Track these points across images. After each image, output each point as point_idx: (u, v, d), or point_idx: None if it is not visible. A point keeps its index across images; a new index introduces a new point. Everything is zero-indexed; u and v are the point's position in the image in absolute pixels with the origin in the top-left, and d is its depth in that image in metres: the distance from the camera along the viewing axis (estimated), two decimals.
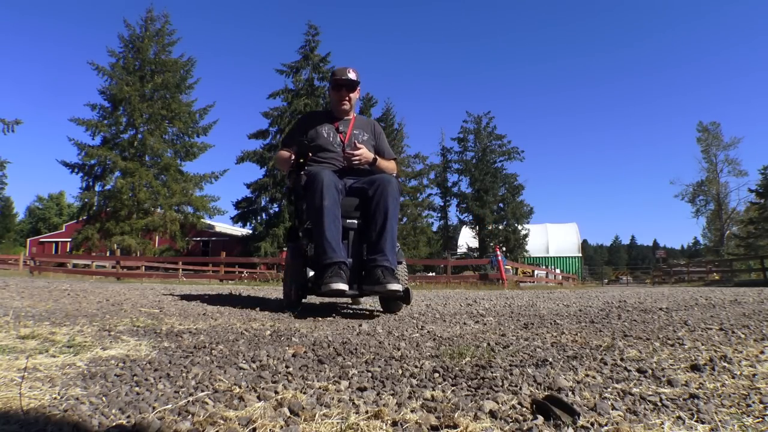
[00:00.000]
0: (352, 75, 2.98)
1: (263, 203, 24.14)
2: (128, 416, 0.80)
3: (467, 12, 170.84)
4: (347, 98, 3.00)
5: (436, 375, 1.13)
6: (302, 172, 2.71)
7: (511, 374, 1.12)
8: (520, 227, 25.98)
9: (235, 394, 0.93)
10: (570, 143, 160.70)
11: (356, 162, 2.83)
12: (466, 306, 3.46)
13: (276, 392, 0.96)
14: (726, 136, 35.18)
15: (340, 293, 2.43)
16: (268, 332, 1.81)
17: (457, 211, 27.59)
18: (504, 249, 23.86)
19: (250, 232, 24.47)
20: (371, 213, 2.60)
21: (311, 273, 2.54)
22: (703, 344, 1.60)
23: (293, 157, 2.72)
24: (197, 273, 16.11)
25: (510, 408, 0.87)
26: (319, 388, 1.00)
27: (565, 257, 31.06)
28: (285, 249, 3.57)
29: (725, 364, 1.24)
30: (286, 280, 2.92)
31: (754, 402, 0.92)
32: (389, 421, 0.79)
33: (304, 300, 3.03)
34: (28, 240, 39.51)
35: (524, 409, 0.87)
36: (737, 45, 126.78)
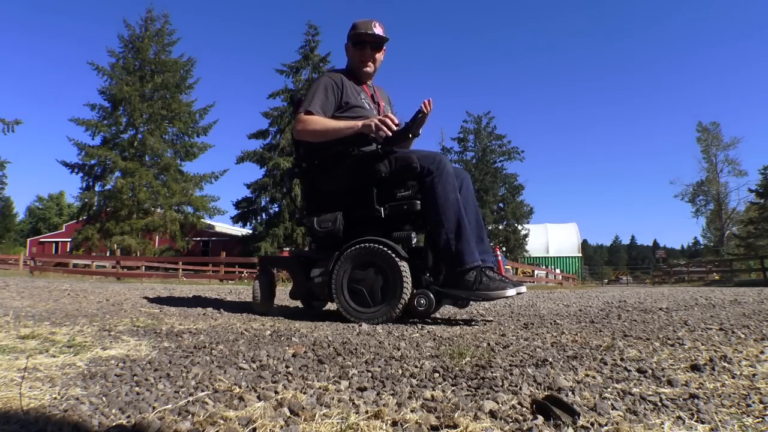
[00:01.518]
0: (378, 30, 2.46)
1: (263, 203, 24.13)
2: (128, 416, 0.80)
3: (467, 11, 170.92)
4: (372, 59, 2.52)
5: (436, 375, 1.13)
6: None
7: (511, 374, 1.12)
8: (520, 227, 25.98)
9: (235, 394, 0.93)
10: (570, 143, 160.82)
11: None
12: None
13: (276, 392, 0.96)
14: (726, 136, 35.29)
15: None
16: (268, 332, 1.81)
17: None
18: (504, 249, 23.86)
19: (250, 232, 24.46)
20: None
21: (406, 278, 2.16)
22: (703, 344, 1.59)
23: (383, 127, 2.17)
24: (197, 273, 16.13)
25: (510, 408, 0.87)
26: (319, 388, 1.00)
27: (565, 257, 31.07)
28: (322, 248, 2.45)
29: (725, 364, 1.24)
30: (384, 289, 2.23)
31: (754, 402, 0.91)
32: (389, 421, 0.79)
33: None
34: (28, 240, 39.52)
35: (524, 409, 0.87)
36: (737, 45, 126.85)
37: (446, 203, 2.17)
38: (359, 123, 2.27)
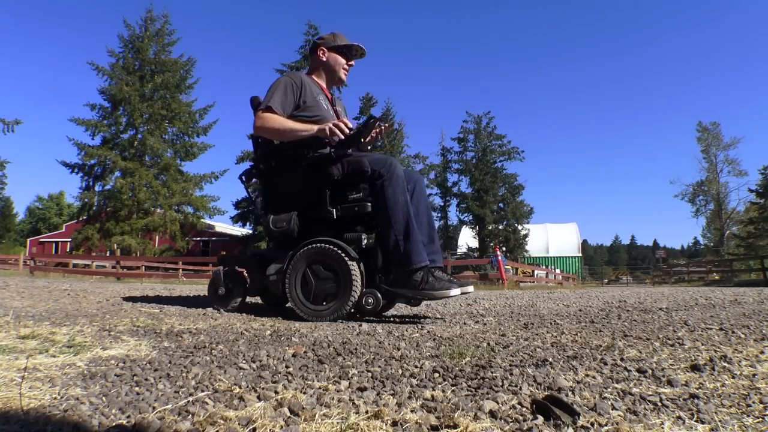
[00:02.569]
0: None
1: None
2: (128, 416, 0.80)
3: (468, 12, 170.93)
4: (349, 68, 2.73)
5: (436, 375, 1.13)
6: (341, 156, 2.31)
7: (511, 374, 1.12)
8: (520, 227, 25.95)
9: (235, 394, 0.93)
10: (570, 143, 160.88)
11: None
12: (466, 306, 3.46)
13: (276, 392, 0.96)
14: (726, 136, 35.23)
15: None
16: (268, 332, 1.81)
17: (457, 211, 27.53)
18: (504, 249, 23.85)
19: (250, 232, 24.45)
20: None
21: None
22: (703, 344, 1.59)
23: (338, 130, 2.26)
24: (197, 273, 16.11)
25: (510, 408, 0.87)
26: (319, 388, 1.00)
27: (565, 257, 31.05)
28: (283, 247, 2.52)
29: (725, 364, 1.24)
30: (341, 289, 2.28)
31: (754, 402, 0.91)
32: (389, 421, 0.79)
33: None
34: (28, 240, 39.51)
35: (524, 409, 0.87)
36: (737, 45, 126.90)
37: (395, 206, 2.25)
38: (315, 127, 2.35)
